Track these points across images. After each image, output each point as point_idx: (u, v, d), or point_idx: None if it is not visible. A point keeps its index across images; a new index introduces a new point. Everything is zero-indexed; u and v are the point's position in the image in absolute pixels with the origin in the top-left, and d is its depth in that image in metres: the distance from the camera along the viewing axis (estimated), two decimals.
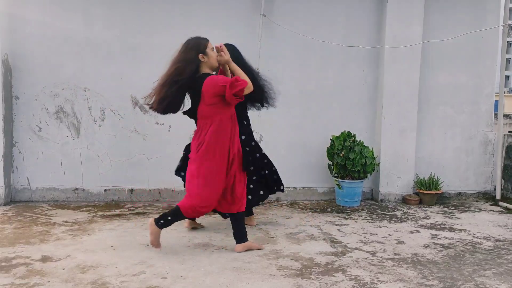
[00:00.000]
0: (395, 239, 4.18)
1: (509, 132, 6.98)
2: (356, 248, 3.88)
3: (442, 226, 4.70)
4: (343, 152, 5.43)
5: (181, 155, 4.30)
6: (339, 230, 4.46)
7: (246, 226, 3.92)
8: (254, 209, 4.80)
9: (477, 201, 5.96)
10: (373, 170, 5.58)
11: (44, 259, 3.47)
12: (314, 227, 4.51)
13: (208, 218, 4.78)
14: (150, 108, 3.69)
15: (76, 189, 5.47)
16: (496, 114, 6.22)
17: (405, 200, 5.77)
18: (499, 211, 5.44)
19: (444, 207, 5.61)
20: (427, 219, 4.98)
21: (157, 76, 5.76)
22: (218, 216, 4.90)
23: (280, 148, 5.72)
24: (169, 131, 5.58)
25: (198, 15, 5.58)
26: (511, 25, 5.97)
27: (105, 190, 5.50)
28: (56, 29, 5.34)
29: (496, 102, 6.17)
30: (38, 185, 5.43)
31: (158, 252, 3.67)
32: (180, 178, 4.25)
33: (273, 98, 4.16)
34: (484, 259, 3.67)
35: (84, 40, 5.39)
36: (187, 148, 4.21)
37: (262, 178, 4.30)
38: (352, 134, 5.57)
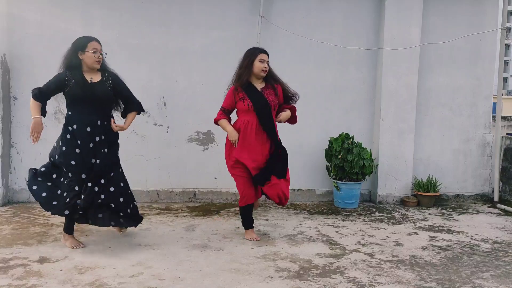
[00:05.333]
0: (393, 241, 4.18)
1: (507, 134, 7.00)
2: (354, 250, 3.88)
3: (440, 228, 4.71)
4: (341, 154, 5.44)
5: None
6: (337, 231, 4.46)
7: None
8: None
9: (475, 203, 5.97)
10: (371, 172, 5.58)
11: (42, 260, 3.46)
12: (312, 229, 4.51)
13: (206, 220, 4.79)
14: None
15: None
16: (494, 116, 6.23)
17: (403, 202, 5.78)
18: (497, 213, 5.45)
19: (442, 209, 5.62)
20: (425, 221, 4.98)
21: (155, 76, 5.80)
22: (216, 217, 4.90)
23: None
24: (167, 132, 5.58)
25: (196, 16, 5.58)
26: (509, 28, 5.99)
27: None
28: (55, 29, 5.33)
29: (494, 104, 6.18)
30: None
31: (156, 253, 3.67)
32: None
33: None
34: (482, 261, 3.68)
35: None
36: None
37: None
38: (350, 136, 5.58)
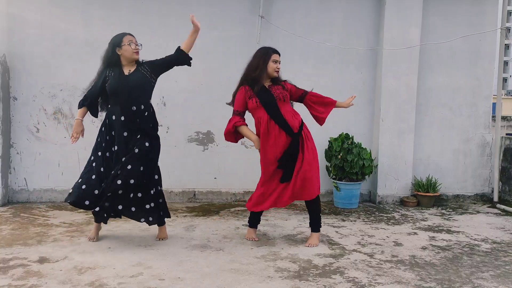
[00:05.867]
0: (393, 241, 4.18)
1: (507, 134, 7.00)
2: (354, 250, 3.88)
3: (439, 228, 4.71)
4: (341, 154, 5.44)
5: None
6: (337, 232, 4.46)
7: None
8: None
9: (474, 203, 5.97)
10: (371, 172, 5.58)
11: (42, 260, 3.46)
12: None
13: (206, 220, 4.79)
14: None
15: None
16: (494, 117, 6.24)
17: (403, 202, 5.78)
18: (496, 213, 5.45)
19: (442, 209, 5.62)
20: (425, 221, 4.98)
21: None
22: (216, 217, 4.90)
23: None
24: (167, 132, 5.58)
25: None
26: (509, 28, 5.99)
27: None
28: (55, 30, 5.33)
29: (494, 104, 6.19)
30: (36, 186, 5.42)
31: (156, 253, 3.67)
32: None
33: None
34: (482, 261, 3.68)
35: (83, 41, 5.38)
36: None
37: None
38: (350, 136, 5.58)
